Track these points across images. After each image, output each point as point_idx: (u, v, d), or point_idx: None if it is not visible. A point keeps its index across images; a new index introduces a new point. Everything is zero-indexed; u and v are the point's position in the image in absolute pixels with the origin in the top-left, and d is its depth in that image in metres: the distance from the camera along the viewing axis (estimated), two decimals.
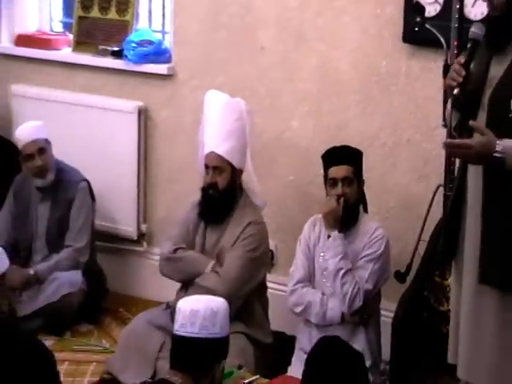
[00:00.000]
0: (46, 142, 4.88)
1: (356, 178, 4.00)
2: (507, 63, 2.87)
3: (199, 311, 2.66)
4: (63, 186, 4.92)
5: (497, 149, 2.75)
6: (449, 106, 3.01)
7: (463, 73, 2.86)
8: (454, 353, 3.06)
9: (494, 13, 2.90)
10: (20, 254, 4.94)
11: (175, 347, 2.72)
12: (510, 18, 2.85)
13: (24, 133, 4.90)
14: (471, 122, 2.85)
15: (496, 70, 2.90)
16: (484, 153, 2.79)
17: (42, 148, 4.85)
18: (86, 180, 4.95)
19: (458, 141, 2.87)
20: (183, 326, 2.67)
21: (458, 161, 3.29)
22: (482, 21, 3.03)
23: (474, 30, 2.91)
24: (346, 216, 3.96)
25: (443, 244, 3.10)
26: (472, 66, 2.90)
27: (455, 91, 2.89)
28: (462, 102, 2.93)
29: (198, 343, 2.64)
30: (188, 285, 4.17)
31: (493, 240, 2.88)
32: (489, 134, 2.78)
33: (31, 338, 3.06)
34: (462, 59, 2.91)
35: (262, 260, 4.23)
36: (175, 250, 4.27)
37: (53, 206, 4.94)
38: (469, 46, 2.91)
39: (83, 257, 4.87)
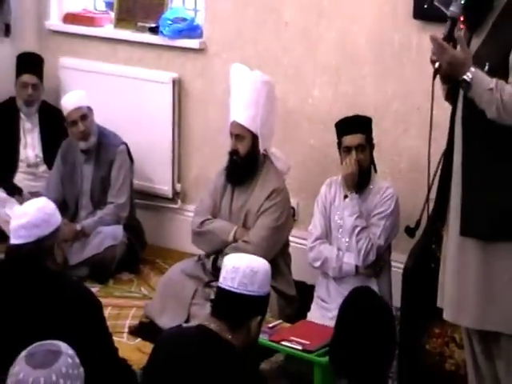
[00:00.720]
0: (89, 109, 4.89)
1: (368, 145, 3.98)
2: (483, 35, 2.87)
3: (240, 268, 2.63)
4: (104, 149, 4.94)
5: (467, 73, 2.75)
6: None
7: (445, 46, 2.85)
8: (441, 299, 3.09)
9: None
10: (68, 210, 4.97)
11: (217, 297, 2.71)
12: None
13: (68, 101, 4.94)
14: (457, 34, 2.85)
15: (474, 43, 2.91)
16: (455, 65, 2.80)
17: (84, 114, 4.86)
18: (124, 143, 4.97)
19: (440, 41, 2.84)
20: (225, 279, 2.65)
21: None
22: None
23: (453, 9, 2.88)
24: (361, 179, 3.96)
25: (436, 200, 3.11)
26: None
27: (437, 64, 2.88)
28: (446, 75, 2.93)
29: (235, 297, 2.61)
30: (220, 255, 4.15)
31: (472, 191, 2.89)
32: (467, 56, 2.78)
33: (82, 286, 3.12)
34: (441, 36, 2.89)
35: (285, 225, 4.25)
36: (202, 223, 4.28)
37: (96, 166, 4.96)
38: (448, 23, 2.89)
39: (124, 212, 4.90)
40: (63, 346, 2.04)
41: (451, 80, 2.93)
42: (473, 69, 2.76)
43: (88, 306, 2.91)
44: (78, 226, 4.81)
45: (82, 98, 4.93)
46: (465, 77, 2.77)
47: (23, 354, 2.02)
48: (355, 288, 2.71)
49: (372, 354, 2.34)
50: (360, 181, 3.97)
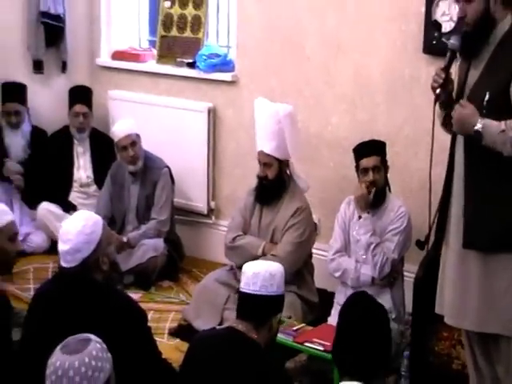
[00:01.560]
0: (137, 136, 4.92)
1: (383, 166, 3.96)
2: (481, 67, 2.84)
3: (260, 273, 2.68)
4: (150, 171, 4.96)
5: (477, 123, 2.73)
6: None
7: (443, 75, 2.86)
8: (440, 303, 3.06)
9: (467, 28, 2.85)
10: (115, 224, 4.99)
11: (240, 301, 2.72)
12: (479, 31, 2.82)
13: (119, 129, 4.97)
14: (461, 101, 2.83)
15: (472, 74, 2.88)
16: (465, 121, 2.78)
17: (133, 141, 4.89)
18: (167, 167, 4.99)
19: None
20: (247, 284, 2.68)
21: None
22: (458, 31, 2.97)
23: (452, 42, 2.89)
24: (376, 198, 3.93)
25: (438, 217, 3.08)
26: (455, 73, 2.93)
27: (437, 91, 2.88)
28: (445, 100, 2.93)
29: (258, 299, 2.65)
30: None
31: (474, 206, 2.86)
32: (473, 108, 2.76)
33: (127, 297, 3.05)
34: (441, 65, 2.91)
35: (308, 240, 4.24)
36: (234, 239, 4.27)
37: (141, 186, 4.97)
38: (448, 54, 2.89)
39: (165, 228, 4.91)
40: (91, 335, 2.09)
41: (448, 106, 2.91)
42: (480, 119, 2.73)
43: (133, 315, 2.89)
44: (125, 238, 4.84)
45: (132, 126, 4.96)
46: (476, 128, 2.73)
47: (58, 347, 2.06)
48: (353, 293, 2.71)
49: (370, 351, 2.33)
50: (376, 199, 3.93)
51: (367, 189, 3.91)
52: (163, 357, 3.04)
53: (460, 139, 2.93)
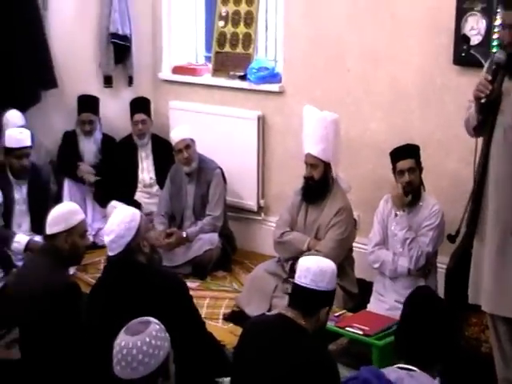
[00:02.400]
0: (191, 140, 4.94)
1: (417, 167, 3.93)
2: None
3: (311, 268, 2.64)
4: (204, 172, 4.98)
5: None
6: (472, 110, 2.96)
7: (490, 87, 2.82)
8: (474, 293, 3.02)
9: (510, 51, 2.83)
10: (175, 221, 5.03)
11: (293, 291, 2.70)
12: None
13: (176, 134, 5.01)
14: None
15: (509, 86, 2.85)
16: None
17: (188, 145, 4.92)
18: (219, 167, 5.01)
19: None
20: (300, 277, 2.66)
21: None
22: (504, 48, 2.90)
23: (498, 56, 2.86)
24: (412, 197, 3.91)
25: (472, 212, 3.02)
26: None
27: (483, 100, 2.85)
28: (487, 108, 2.89)
29: (307, 292, 2.62)
30: (296, 260, 4.14)
31: None
32: None
33: (166, 272, 3.16)
34: (488, 77, 2.85)
35: (349, 237, 4.23)
36: (282, 235, 4.27)
37: (197, 186, 4.99)
38: (493, 67, 2.85)
39: (219, 223, 4.94)
40: (151, 318, 2.12)
41: (486, 113, 2.88)
42: None
43: (174, 288, 2.92)
44: (184, 234, 4.88)
45: (187, 131, 4.99)
46: None
47: (123, 329, 2.10)
48: (418, 287, 2.67)
49: (430, 342, 2.28)
50: (412, 198, 3.90)
51: (404, 189, 3.88)
52: (216, 338, 3.12)
53: (497, 139, 2.88)
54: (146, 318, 2.13)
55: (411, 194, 3.91)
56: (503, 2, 2.81)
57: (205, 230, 4.89)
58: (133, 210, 3.01)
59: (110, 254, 2.91)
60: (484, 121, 2.93)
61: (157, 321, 2.12)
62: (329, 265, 2.70)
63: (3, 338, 2.33)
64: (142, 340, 2.03)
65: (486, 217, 2.94)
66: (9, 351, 2.34)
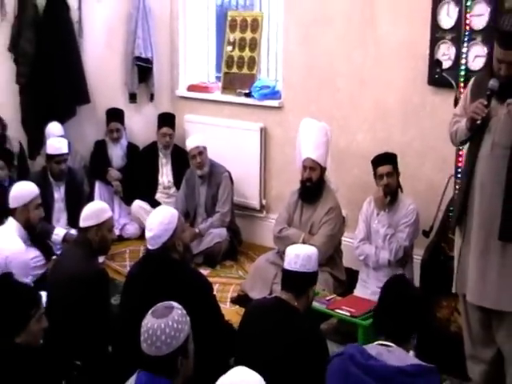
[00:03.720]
0: (204, 148, 4.93)
1: (395, 172, 3.92)
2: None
3: (299, 255, 2.67)
4: (214, 175, 4.97)
5: None
6: (461, 125, 2.90)
7: (486, 111, 2.77)
8: (458, 284, 2.99)
9: (502, 81, 2.78)
10: (189, 217, 5.02)
11: (284, 276, 2.71)
12: None
13: (190, 142, 5.00)
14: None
15: (501, 111, 2.81)
16: None
17: (200, 151, 4.90)
18: (228, 171, 5.00)
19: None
20: (289, 263, 2.69)
21: (464, 158, 3.19)
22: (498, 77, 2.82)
23: (492, 83, 2.78)
24: (391, 197, 3.90)
25: (457, 213, 2.97)
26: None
27: (478, 122, 2.79)
28: (477, 126, 2.83)
29: (298, 275, 2.65)
30: None
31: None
32: None
33: (197, 272, 3.16)
34: (484, 102, 2.78)
35: (338, 232, 4.21)
36: (280, 230, 4.25)
37: (208, 187, 4.98)
38: (488, 93, 2.78)
39: (227, 217, 4.92)
40: (174, 303, 2.10)
41: (476, 131, 2.84)
42: None
43: (201, 285, 2.93)
44: (197, 230, 4.87)
45: (200, 139, 4.97)
46: None
47: (149, 311, 2.08)
48: (394, 275, 2.66)
49: (404, 319, 2.28)
50: (390, 199, 3.90)
51: (383, 191, 3.88)
52: (225, 317, 3.09)
53: (484, 153, 2.82)
54: (170, 302, 2.11)
55: (390, 196, 3.90)
56: (502, 41, 2.70)
57: (214, 225, 4.88)
58: (171, 213, 2.95)
59: (149, 247, 2.90)
60: (471, 137, 2.89)
61: (179, 306, 2.10)
62: (313, 251, 2.73)
63: (35, 314, 2.35)
64: (165, 323, 2.02)
65: (471, 221, 2.89)
66: (40, 324, 2.35)
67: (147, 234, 2.90)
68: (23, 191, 3.70)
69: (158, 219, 2.88)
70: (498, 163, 2.77)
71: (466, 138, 2.91)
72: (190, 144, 4.98)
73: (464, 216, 2.92)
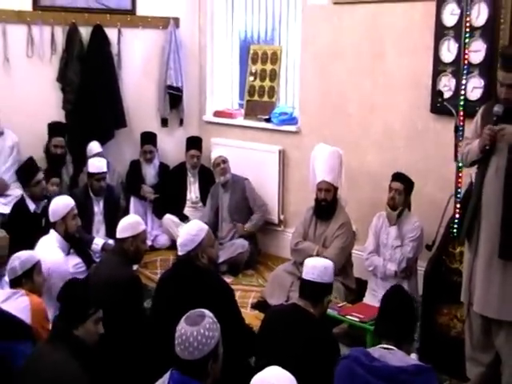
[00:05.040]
0: (226, 158, 4.99)
1: (403, 192, 3.93)
2: None
3: (316, 266, 2.68)
4: (236, 183, 5.01)
5: None
6: (473, 147, 2.91)
7: (493, 134, 2.78)
8: (466, 294, 3.00)
9: (505, 105, 2.79)
10: (217, 230, 5.02)
11: (302, 285, 2.71)
12: None
13: (214, 153, 5.08)
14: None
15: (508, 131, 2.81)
16: None
17: (223, 160, 4.97)
18: (247, 178, 5.05)
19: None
20: (307, 273, 2.69)
21: (464, 180, 3.22)
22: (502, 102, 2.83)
23: (497, 109, 2.80)
24: (398, 215, 3.93)
25: (467, 229, 2.97)
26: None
27: (487, 147, 2.80)
28: (487, 149, 2.84)
29: (314, 284, 2.66)
30: None
31: (509, 227, 2.76)
32: None
33: (220, 279, 3.12)
34: (492, 128, 2.78)
35: (349, 246, 4.20)
36: (296, 244, 4.26)
37: (231, 194, 5.01)
38: (494, 118, 2.80)
39: (266, 214, 5.00)
40: (206, 312, 2.11)
41: (486, 152, 2.85)
42: None
43: (224, 290, 2.95)
44: (246, 228, 4.90)
45: (222, 152, 5.05)
46: None
47: (183, 318, 2.09)
48: (392, 286, 2.68)
49: (401, 324, 2.32)
50: (398, 215, 3.92)
51: (388, 204, 3.90)
52: (246, 322, 3.11)
53: (491, 174, 2.84)
54: (201, 310, 2.10)
55: (397, 213, 3.91)
56: (502, 63, 2.72)
57: (258, 224, 4.95)
58: (201, 227, 2.98)
59: (179, 253, 2.95)
60: (482, 159, 2.91)
61: (211, 314, 2.09)
62: (329, 263, 2.73)
63: (93, 315, 2.42)
64: (197, 331, 2.01)
65: (479, 237, 2.91)
66: (97, 326, 2.42)
67: (178, 241, 2.97)
68: (59, 206, 3.71)
69: (187, 230, 2.96)
70: (502, 185, 2.80)
71: (477, 158, 2.91)
72: (214, 155, 5.03)
73: (473, 233, 2.93)
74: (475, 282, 2.92)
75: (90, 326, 2.37)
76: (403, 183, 3.94)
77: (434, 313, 3.44)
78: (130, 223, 3.24)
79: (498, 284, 2.83)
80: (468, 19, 3.37)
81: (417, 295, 3.90)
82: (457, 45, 3.90)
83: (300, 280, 2.75)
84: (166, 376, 2.08)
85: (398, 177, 3.96)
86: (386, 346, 2.25)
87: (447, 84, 4.00)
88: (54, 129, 5.02)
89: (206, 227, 3.02)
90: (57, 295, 2.40)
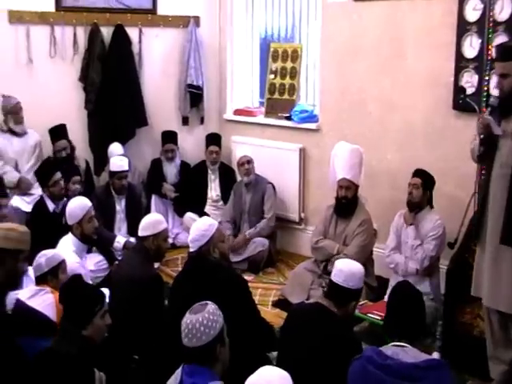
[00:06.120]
0: (251, 158, 5.01)
1: (421, 188, 3.89)
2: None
3: (343, 270, 2.64)
4: (259, 185, 5.02)
5: None
6: (476, 142, 2.96)
7: (485, 123, 2.83)
8: (476, 288, 3.01)
9: (503, 95, 2.82)
10: (236, 227, 5.06)
11: (329, 286, 2.69)
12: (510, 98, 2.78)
13: (240, 152, 5.11)
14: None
15: (504, 125, 2.84)
16: None
17: (248, 160, 4.99)
18: (271, 183, 5.06)
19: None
20: (334, 275, 2.66)
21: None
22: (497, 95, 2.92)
23: (492, 100, 2.88)
24: (415, 211, 3.88)
25: (475, 227, 3.03)
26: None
27: (481, 136, 2.85)
28: (486, 142, 2.87)
29: (340, 288, 2.63)
30: (328, 261, 4.12)
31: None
32: None
33: (232, 270, 3.17)
34: (485, 118, 2.85)
35: (369, 243, 4.20)
36: (317, 241, 4.26)
37: (253, 195, 5.01)
38: (489, 109, 2.87)
39: (272, 223, 4.93)
40: (208, 302, 2.16)
41: (487, 144, 2.86)
42: None
43: (237, 283, 2.96)
44: (247, 236, 4.90)
45: (247, 151, 5.07)
46: None
47: (188, 311, 2.14)
48: (399, 282, 2.64)
49: (409, 321, 2.29)
50: (416, 213, 3.89)
51: (407, 199, 3.87)
52: (266, 319, 3.13)
53: (495, 171, 2.87)
54: (204, 301, 2.17)
55: (412, 207, 3.87)
56: (497, 52, 2.80)
57: (262, 230, 4.89)
58: (210, 223, 3.03)
59: (191, 250, 3.00)
60: (485, 153, 2.92)
61: (213, 303, 2.16)
62: (358, 268, 2.67)
63: (99, 311, 2.44)
64: (202, 316, 2.09)
65: (485, 231, 2.94)
66: (104, 320, 2.44)
67: (189, 238, 3.03)
68: (76, 209, 3.64)
69: (198, 226, 3.01)
70: (506, 181, 2.81)
71: (479, 153, 2.94)
72: (239, 154, 5.06)
73: (482, 228, 2.95)
74: (482, 276, 2.94)
75: (97, 322, 2.39)
76: (421, 177, 3.91)
77: (457, 311, 3.43)
78: (152, 222, 3.28)
79: (508, 277, 2.82)
80: (491, 14, 3.32)
81: (439, 293, 3.88)
82: (479, 40, 3.86)
83: (329, 280, 2.74)
84: (178, 371, 2.12)
85: (417, 172, 3.95)
86: (398, 343, 2.24)
87: (469, 80, 3.96)
88: (54, 133, 4.94)
89: (215, 223, 3.06)
90: (58, 297, 2.41)
